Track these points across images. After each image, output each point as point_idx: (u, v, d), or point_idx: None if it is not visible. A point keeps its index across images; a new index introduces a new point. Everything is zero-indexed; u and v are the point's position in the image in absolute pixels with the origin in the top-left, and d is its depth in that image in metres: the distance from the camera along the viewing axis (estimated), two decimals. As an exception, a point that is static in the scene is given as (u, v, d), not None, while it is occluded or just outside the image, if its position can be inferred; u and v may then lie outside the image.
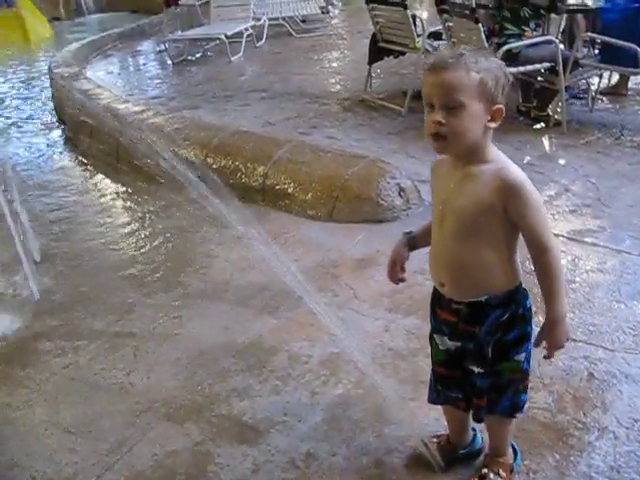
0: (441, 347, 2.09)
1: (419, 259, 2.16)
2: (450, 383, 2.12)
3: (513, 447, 2.22)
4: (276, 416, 2.55)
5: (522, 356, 1.99)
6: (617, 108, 6.18)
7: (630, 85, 6.51)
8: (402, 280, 2.18)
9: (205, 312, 3.31)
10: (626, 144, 5.30)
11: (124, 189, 5.06)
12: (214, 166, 4.72)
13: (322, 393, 2.66)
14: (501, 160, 1.84)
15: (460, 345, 2.03)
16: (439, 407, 2.27)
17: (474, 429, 2.28)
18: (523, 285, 1.96)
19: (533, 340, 1.96)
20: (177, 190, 4.81)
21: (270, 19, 10.48)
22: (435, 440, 2.30)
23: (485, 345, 1.96)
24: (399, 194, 4.19)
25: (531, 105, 5.93)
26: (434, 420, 2.41)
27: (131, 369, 2.90)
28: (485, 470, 2.16)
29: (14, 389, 2.84)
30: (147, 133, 5.26)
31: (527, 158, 4.95)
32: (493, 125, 1.79)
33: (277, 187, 4.44)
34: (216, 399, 2.67)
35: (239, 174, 4.61)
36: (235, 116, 6.41)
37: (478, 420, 2.13)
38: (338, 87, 7.45)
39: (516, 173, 1.80)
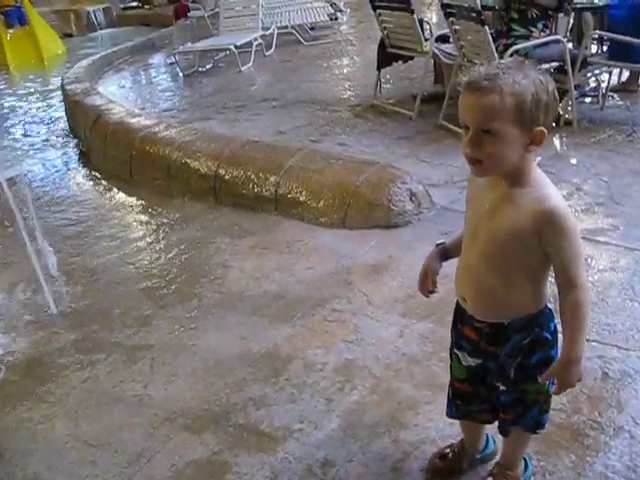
0: (463, 363, 2.04)
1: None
2: (472, 399, 2.08)
3: (525, 461, 2.20)
4: (292, 424, 2.57)
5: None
6: (628, 105, 6.14)
7: (641, 81, 6.48)
8: (433, 292, 2.09)
9: (221, 322, 3.34)
10: (638, 141, 5.26)
11: (138, 202, 5.11)
12: (226, 177, 4.76)
13: (337, 400, 2.68)
14: (542, 185, 1.73)
15: (481, 362, 1.99)
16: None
17: (486, 433, 2.27)
18: (549, 306, 1.89)
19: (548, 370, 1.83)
20: (190, 202, 4.88)
21: (279, 28, 10.53)
22: (448, 450, 2.29)
23: (507, 366, 1.91)
24: (410, 199, 4.20)
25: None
26: (449, 424, 2.41)
27: (149, 381, 2.94)
28: (490, 479, 2.15)
29: (35, 404, 2.88)
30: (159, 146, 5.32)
31: (538, 158, 4.90)
32: (534, 149, 1.68)
33: (289, 196, 4.47)
34: (233, 409, 2.70)
35: (251, 184, 4.64)
36: (246, 126, 6.45)
37: (504, 434, 2.09)
38: (348, 93, 7.48)
39: (555, 201, 1.70)
